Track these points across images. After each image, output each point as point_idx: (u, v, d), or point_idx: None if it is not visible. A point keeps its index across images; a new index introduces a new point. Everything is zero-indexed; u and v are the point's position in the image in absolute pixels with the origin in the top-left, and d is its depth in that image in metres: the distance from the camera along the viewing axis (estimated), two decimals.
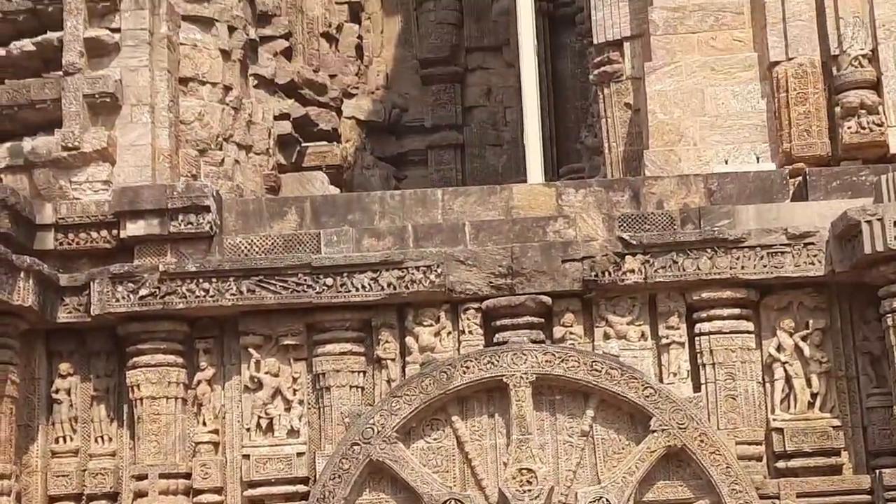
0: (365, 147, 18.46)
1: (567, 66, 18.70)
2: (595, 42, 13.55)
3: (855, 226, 9.98)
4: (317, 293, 10.65)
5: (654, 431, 10.31)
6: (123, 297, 10.65)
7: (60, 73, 12.89)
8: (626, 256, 10.52)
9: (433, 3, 19.26)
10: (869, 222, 9.87)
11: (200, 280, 10.66)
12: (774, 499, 10.30)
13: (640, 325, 10.69)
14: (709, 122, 12.15)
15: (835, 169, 10.95)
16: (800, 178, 10.95)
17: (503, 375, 10.45)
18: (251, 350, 10.89)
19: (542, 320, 10.68)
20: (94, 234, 11.04)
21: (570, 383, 10.47)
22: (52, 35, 13.04)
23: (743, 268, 10.43)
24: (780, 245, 10.40)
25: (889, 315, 10.08)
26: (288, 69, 16.56)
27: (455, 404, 10.60)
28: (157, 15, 13.43)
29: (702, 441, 10.25)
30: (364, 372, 10.84)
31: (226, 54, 14.40)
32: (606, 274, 10.52)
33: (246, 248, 10.88)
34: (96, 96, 12.79)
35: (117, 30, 13.15)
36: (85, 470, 10.91)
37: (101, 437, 10.98)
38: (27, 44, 13.12)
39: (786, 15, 11.85)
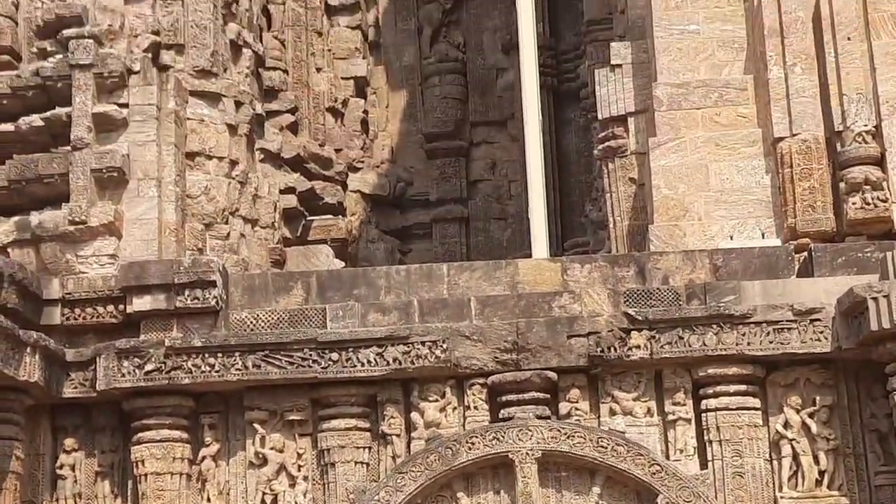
0: (370, 220, 18.50)
1: (571, 140, 18.80)
2: (599, 117, 13.63)
3: (861, 302, 9.98)
4: (322, 368, 10.64)
5: None
6: (129, 373, 10.65)
7: (69, 147, 12.98)
8: (632, 332, 10.51)
9: (438, 78, 19.39)
10: (875, 299, 9.87)
11: (206, 355, 10.66)
12: None
13: (646, 401, 10.66)
14: (713, 197, 12.18)
15: (840, 245, 10.97)
16: (805, 253, 10.97)
17: (509, 452, 10.41)
18: (256, 425, 10.86)
19: (548, 396, 10.66)
20: (101, 309, 11.06)
21: (576, 460, 10.43)
22: (60, 110, 13.14)
23: (749, 344, 10.41)
24: (787, 321, 10.39)
25: None
26: (294, 143, 16.64)
27: (461, 481, 10.56)
28: (165, 90, 13.54)
29: None
30: (369, 448, 10.80)
31: (232, 129, 14.50)
32: (612, 349, 10.50)
33: (252, 322, 10.89)
34: (104, 171, 12.87)
35: (125, 105, 13.25)
36: None
37: None
38: (36, 119, 13.22)
39: (789, 91, 11.92)
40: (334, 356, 10.63)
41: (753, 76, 12.39)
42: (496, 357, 10.61)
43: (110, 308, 11.06)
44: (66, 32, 13.31)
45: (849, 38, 11.73)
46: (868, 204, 11.39)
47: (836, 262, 10.66)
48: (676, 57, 12.59)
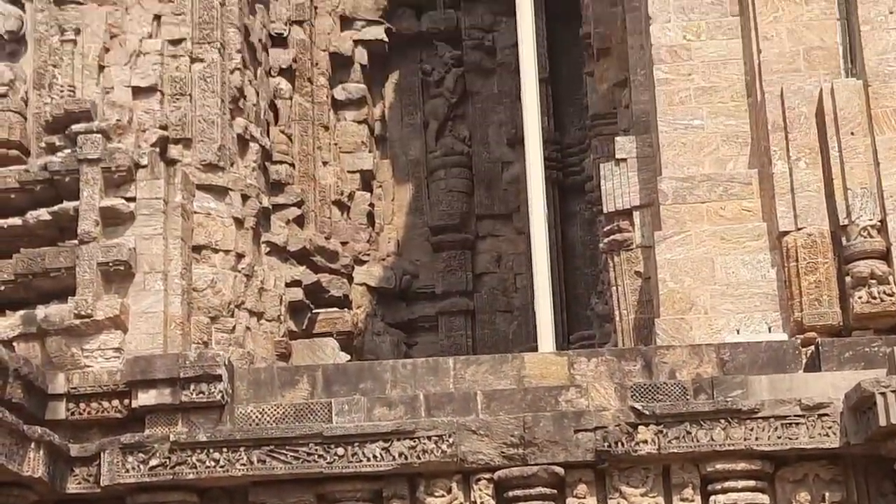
0: (376, 313, 18.50)
1: (577, 233, 18.87)
2: (605, 211, 13.67)
3: (869, 398, 9.94)
4: (328, 463, 10.57)
5: None
6: (133, 468, 10.58)
7: (75, 241, 13.03)
8: (639, 427, 10.45)
9: (444, 172, 19.50)
10: (883, 394, 9.82)
11: (211, 450, 10.60)
12: None
13: (654, 496, 10.56)
14: (719, 290, 12.17)
15: (847, 339, 10.94)
16: (812, 347, 10.94)
17: None
18: None
19: (555, 491, 10.58)
20: (106, 404, 11.03)
21: None
22: (67, 204, 13.22)
23: (757, 439, 10.35)
24: (795, 416, 10.34)
25: None
26: (300, 236, 16.71)
27: None
28: (172, 184, 13.62)
29: None
30: None
31: (239, 222, 14.56)
32: (619, 444, 10.44)
33: (257, 417, 10.84)
34: (110, 264, 12.90)
35: (132, 199, 13.33)
36: None
37: None
38: (43, 213, 13.29)
39: (794, 185, 11.96)
40: (340, 451, 10.56)
41: (758, 170, 12.44)
42: (503, 452, 10.55)
43: (115, 403, 11.03)
44: (75, 127, 13.43)
45: (852, 133, 11.80)
46: (874, 298, 11.38)
47: (844, 356, 10.63)
48: (681, 151, 12.65)
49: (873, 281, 11.41)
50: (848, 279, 11.55)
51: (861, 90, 11.89)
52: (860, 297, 11.42)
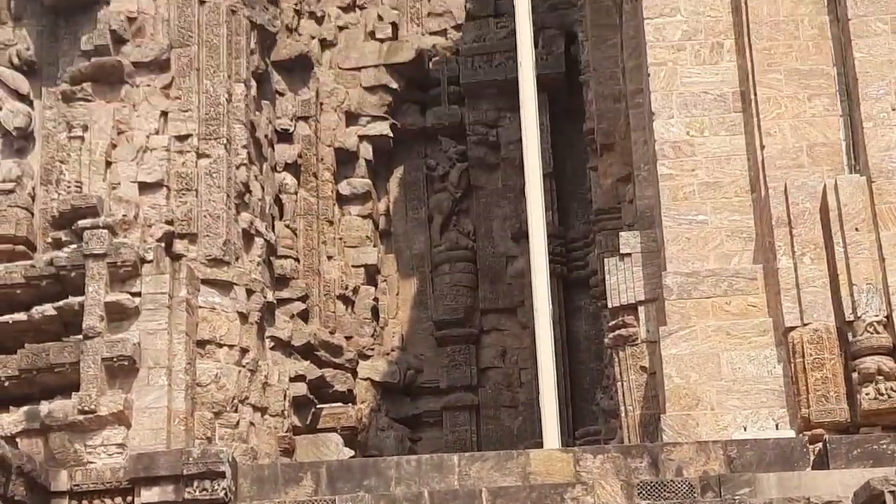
0: (380, 408, 18.41)
1: (582, 327, 18.83)
2: (610, 305, 13.64)
3: (878, 496, 9.84)
4: None
5: None
6: None
7: (80, 336, 13.03)
8: None
9: (448, 266, 19.51)
10: (892, 492, 9.72)
11: None
12: None
13: None
14: (725, 386, 12.10)
15: (855, 437, 10.87)
16: (820, 444, 10.86)
17: None
18: None
19: None
20: (109, 501, 10.95)
21: None
22: (73, 299, 13.24)
23: None
24: None
25: None
26: (304, 331, 16.69)
27: None
28: (178, 279, 13.65)
29: None
30: None
31: (243, 317, 14.56)
32: None
33: None
34: (114, 360, 12.90)
35: (138, 293, 13.36)
36: None
37: None
38: (49, 308, 13.31)
39: (799, 281, 11.94)
40: None
41: (763, 265, 12.44)
42: None
43: (118, 500, 10.94)
44: (81, 223, 13.50)
45: (857, 229, 11.82)
46: (882, 395, 11.32)
47: (852, 454, 10.56)
48: (685, 246, 12.66)
49: (880, 377, 11.36)
50: (855, 375, 11.50)
51: (865, 186, 11.93)
52: (867, 394, 11.35)
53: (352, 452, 16.39)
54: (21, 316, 13.37)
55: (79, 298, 13.17)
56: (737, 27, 13.00)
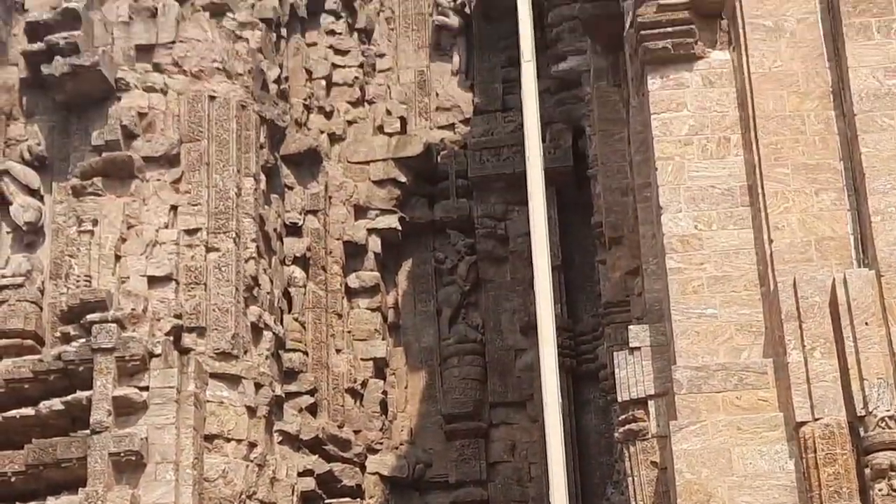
0: (389, 503, 18.27)
1: (591, 421, 18.72)
2: (619, 399, 13.57)
3: None
4: None
5: None
6: None
7: (87, 431, 12.98)
8: None
9: (457, 359, 19.46)
10: None
11: None
12: None
13: None
14: (737, 482, 11.98)
15: None
16: None
17: None
18: None
19: None
20: None
21: None
22: (81, 394, 13.23)
23: None
24: None
25: None
26: (313, 425, 16.62)
27: None
28: (186, 373, 13.64)
29: None
30: None
31: (251, 411, 14.52)
32: None
33: None
34: (122, 454, 12.85)
35: (146, 388, 13.35)
36: None
37: None
38: (56, 403, 13.30)
39: (809, 376, 11.88)
40: None
41: (773, 360, 12.38)
42: None
43: None
44: (90, 317, 13.52)
45: (866, 323, 11.77)
46: (894, 490, 11.21)
47: None
48: (695, 340, 12.62)
49: (893, 473, 11.26)
50: (867, 471, 11.41)
51: (874, 280, 11.91)
52: (880, 490, 11.24)
53: None
54: (29, 411, 13.34)
55: (87, 393, 13.15)
56: (743, 122, 13.07)
